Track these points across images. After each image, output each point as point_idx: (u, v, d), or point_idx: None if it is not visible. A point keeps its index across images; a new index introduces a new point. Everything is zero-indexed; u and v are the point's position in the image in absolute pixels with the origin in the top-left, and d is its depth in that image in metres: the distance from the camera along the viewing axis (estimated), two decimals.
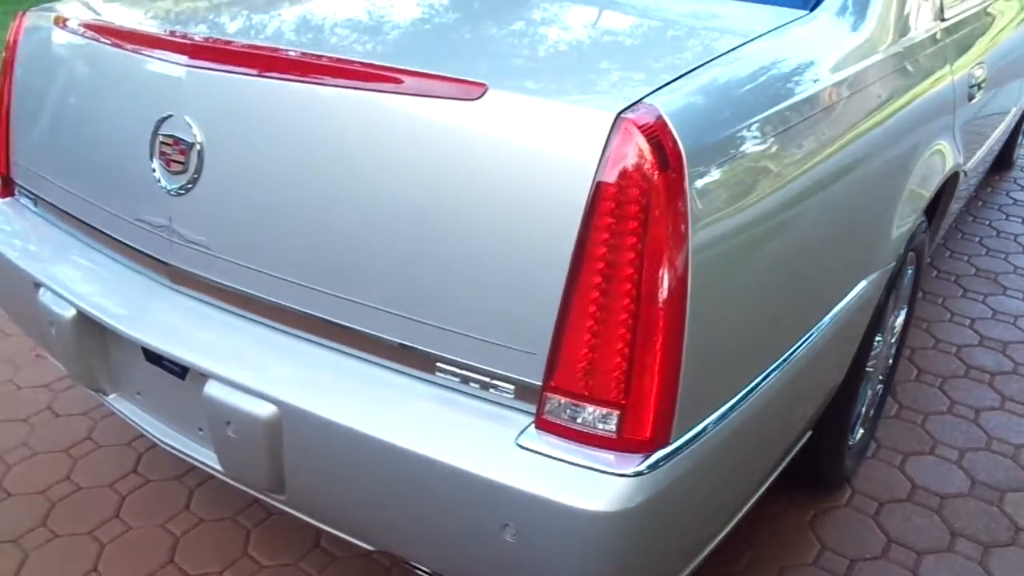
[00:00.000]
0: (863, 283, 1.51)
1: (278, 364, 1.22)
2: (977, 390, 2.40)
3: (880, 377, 2.04)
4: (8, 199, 1.75)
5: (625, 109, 1.01)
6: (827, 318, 1.39)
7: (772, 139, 1.16)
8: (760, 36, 1.28)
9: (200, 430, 1.39)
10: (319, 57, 1.18)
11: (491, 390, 1.10)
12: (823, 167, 1.28)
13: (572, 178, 1.01)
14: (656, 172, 0.99)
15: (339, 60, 1.16)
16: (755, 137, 1.13)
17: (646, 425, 1.02)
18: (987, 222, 3.53)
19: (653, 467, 1.02)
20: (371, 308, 1.16)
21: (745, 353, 1.17)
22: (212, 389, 1.24)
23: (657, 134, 1.00)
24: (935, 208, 2.01)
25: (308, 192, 1.18)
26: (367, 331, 1.17)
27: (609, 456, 1.03)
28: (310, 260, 1.20)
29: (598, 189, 0.99)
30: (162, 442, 1.44)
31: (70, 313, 1.44)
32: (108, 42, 1.43)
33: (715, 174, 1.05)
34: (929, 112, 1.69)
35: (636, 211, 0.99)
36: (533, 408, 1.08)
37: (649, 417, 1.02)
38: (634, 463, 1.02)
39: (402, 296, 1.13)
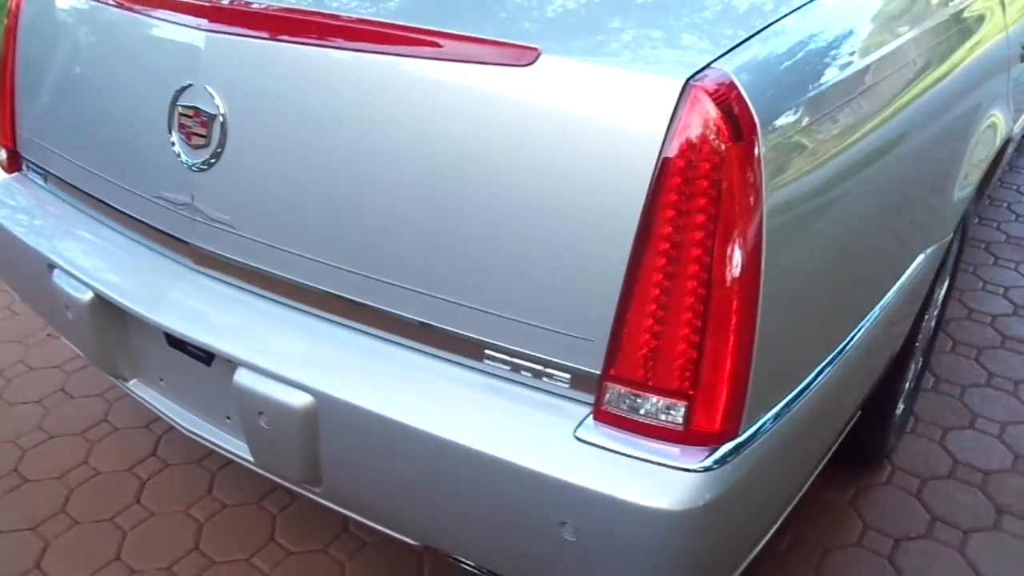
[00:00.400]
0: (921, 257, 1.44)
1: (313, 351, 1.15)
2: (1015, 361, 2.33)
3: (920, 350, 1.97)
4: (16, 174, 1.67)
5: (694, 75, 0.92)
6: (889, 295, 1.32)
7: (841, 105, 1.08)
8: None
9: (228, 418, 1.33)
10: (352, 20, 1.09)
11: (544, 379, 1.03)
12: (890, 133, 1.19)
13: (635, 151, 0.93)
14: (729, 144, 0.91)
15: (374, 23, 1.07)
16: (825, 103, 1.05)
17: (716, 417, 0.95)
18: (1015, 187, 3.44)
19: (721, 461, 0.95)
20: (412, 292, 1.09)
21: (813, 335, 1.10)
22: (242, 378, 1.17)
23: (729, 102, 0.91)
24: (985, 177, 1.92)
25: (343, 167, 1.10)
26: (408, 316, 1.10)
27: (674, 450, 0.96)
28: (346, 240, 1.12)
29: (665, 163, 0.91)
30: (188, 430, 1.38)
31: (87, 296, 1.37)
32: (117, 5, 1.34)
33: (786, 144, 0.97)
34: (986, 73, 1.60)
35: (706, 186, 0.91)
36: (591, 398, 1.01)
37: (719, 408, 0.95)
38: (702, 457, 0.95)
39: (447, 279, 1.05)
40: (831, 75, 1.08)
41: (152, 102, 1.28)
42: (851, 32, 1.15)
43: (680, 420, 0.96)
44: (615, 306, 0.96)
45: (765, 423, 1.01)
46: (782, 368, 1.04)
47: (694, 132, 0.90)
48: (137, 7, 1.30)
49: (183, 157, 1.25)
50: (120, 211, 1.39)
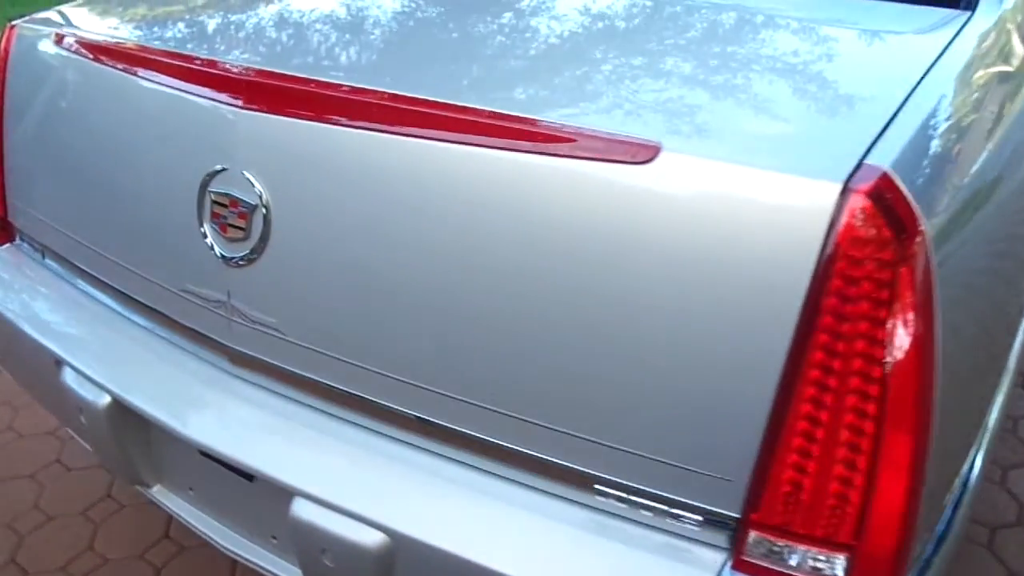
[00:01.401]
0: None
1: (386, 480, 1.00)
2: None
3: None
4: (6, 245, 1.49)
5: (851, 175, 0.78)
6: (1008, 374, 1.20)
7: (991, 178, 0.95)
8: (941, 54, 1.05)
9: (274, 538, 1.17)
10: (437, 106, 0.93)
11: (669, 519, 0.90)
12: None
13: (786, 261, 0.79)
14: (898, 245, 0.77)
15: (461, 110, 0.92)
16: (974, 179, 0.92)
17: (887, 570, 0.82)
18: None
19: None
20: (508, 416, 0.94)
21: (961, 450, 0.97)
22: (302, 510, 1.01)
23: (891, 200, 0.78)
24: None
25: (421, 272, 0.94)
26: (504, 443, 0.95)
27: None
28: (423, 356, 0.96)
29: (826, 273, 0.77)
30: (223, 547, 1.22)
31: (104, 401, 1.20)
32: (130, 71, 1.16)
33: (946, 232, 0.84)
34: None
35: (876, 294, 0.77)
36: (726, 542, 0.88)
37: (888, 560, 0.82)
38: None
39: (552, 403, 0.90)
40: (974, 148, 0.94)
41: (178, 185, 1.11)
42: (975, 95, 1.02)
43: (839, 575, 0.83)
44: (760, 440, 0.83)
45: (925, 564, 0.89)
46: (939, 499, 0.91)
47: (859, 237, 0.77)
48: (154, 74, 1.13)
49: (216, 249, 1.09)
50: (139, 302, 1.22)
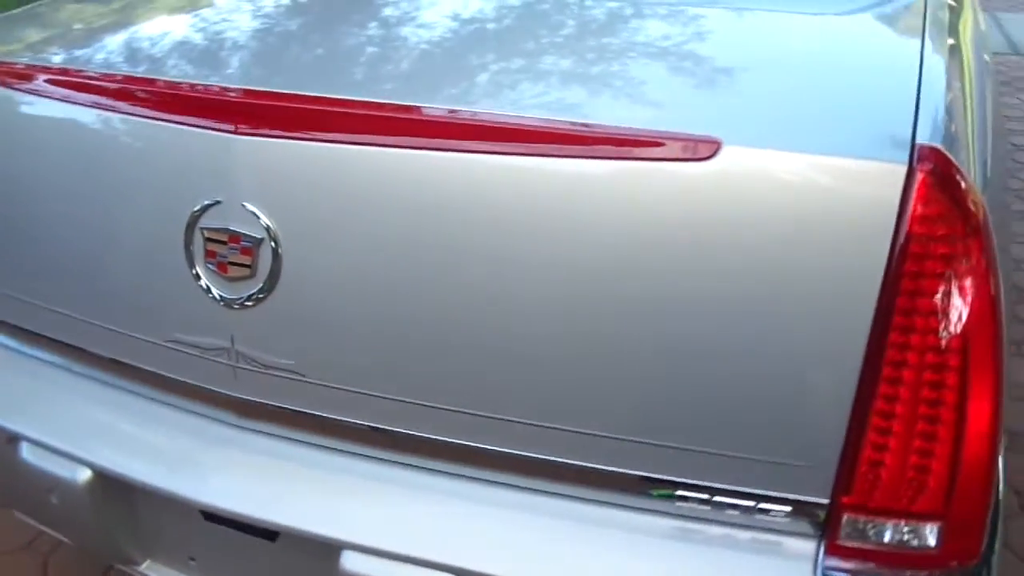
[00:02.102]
0: None
1: (450, 520, 0.93)
2: None
3: None
4: None
5: (913, 154, 0.80)
6: None
7: (995, 140, 1.00)
8: (924, 26, 1.10)
9: None
10: (454, 115, 0.88)
11: (757, 515, 0.88)
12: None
13: (859, 247, 0.79)
14: (967, 227, 0.79)
15: (493, 119, 0.86)
16: (986, 145, 0.97)
17: (975, 534, 0.84)
18: None
19: None
20: (584, 435, 0.89)
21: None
22: (355, 564, 0.93)
23: (952, 176, 0.80)
24: None
25: (463, 294, 0.89)
26: (578, 463, 0.91)
27: None
28: (475, 381, 0.90)
29: (903, 253, 0.78)
30: None
31: (83, 476, 1.06)
32: (82, 101, 1.03)
33: (987, 203, 0.88)
34: None
35: (952, 268, 0.79)
36: (816, 530, 0.87)
37: (976, 525, 0.84)
38: None
39: (630, 416, 0.87)
40: (978, 115, 0.99)
41: (158, 227, 1.00)
42: (962, 62, 1.07)
43: (933, 543, 0.85)
44: (847, 423, 0.83)
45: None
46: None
47: (929, 215, 0.78)
48: (120, 105, 1.00)
49: (215, 292, 0.98)
50: (118, 363, 1.09)
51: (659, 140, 0.82)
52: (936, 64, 0.98)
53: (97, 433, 1.07)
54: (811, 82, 0.95)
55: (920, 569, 0.85)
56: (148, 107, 0.99)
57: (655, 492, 0.90)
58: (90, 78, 1.04)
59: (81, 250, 1.06)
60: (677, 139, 0.82)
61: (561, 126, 0.85)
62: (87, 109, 1.02)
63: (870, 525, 0.85)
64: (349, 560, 0.93)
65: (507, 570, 0.89)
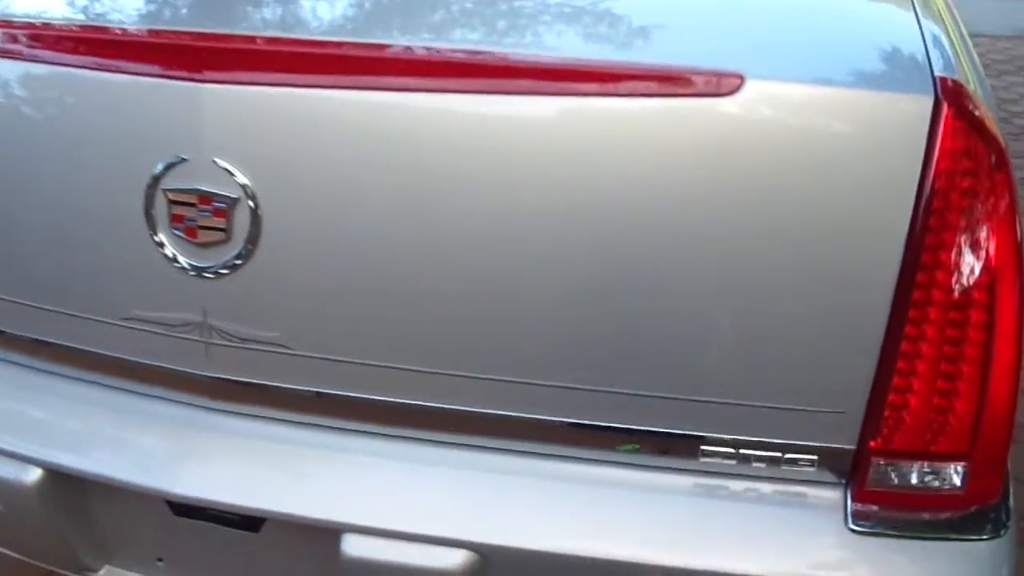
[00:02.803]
0: None
1: (458, 493, 0.87)
2: None
3: None
4: None
5: (935, 86, 0.78)
6: None
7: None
8: None
9: None
10: (458, 54, 0.81)
11: (782, 466, 0.85)
12: None
13: (887, 181, 0.77)
14: (993, 159, 0.78)
15: (503, 58, 0.80)
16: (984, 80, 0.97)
17: (997, 472, 0.84)
18: None
19: (1005, 523, 0.85)
20: (600, 393, 0.84)
21: None
22: (359, 548, 0.85)
23: (973, 109, 0.79)
24: None
25: (468, 244, 0.82)
26: (593, 423, 0.86)
27: (959, 518, 0.84)
28: (478, 341, 0.84)
29: (930, 190, 0.77)
30: None
31: (32, 476, 0.94)
32: (36, 55, 0.90)
33: (1006, 142, 0.87)
34: None
35: (977, 210, 0.78)
36: (842, 477, 0.85)
37: (998, 462, 0.84)
38: (989, 521, 0.84)
39: (648, 370, 0.83)
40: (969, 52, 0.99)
41: (110, 191, 0.89)
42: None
43: (959, 483, 0.84)
44: (874, 366, 0.81)
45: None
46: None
47: (958, 149, 0.76)
48: (64, 58, 0.88)
49: (183, 260, 0.88)
50: (69, 349, 0.97)
51: (680, 76, 0.78)
52: (931, 17, 0.98)
53: (48, 428, 0.96)
54: (825, 21, 0.92)
55: (945, 509, 0.85)
56: (100, 57, 0.88)
57: (679, 450, 0.86)
58: (32, 28, 0.92)
59: (23, 223, 0.94)
60: (699, 74, 0.78)
61: (576, 64, 0.79)
62: (29, 63, 0.90)
63: (897, 469, 0.84)
64: (352, 544, 0.86)
65: (520, 539, 0.84)
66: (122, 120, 0.87)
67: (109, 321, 0.95)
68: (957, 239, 0.78)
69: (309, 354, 0.89)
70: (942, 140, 0.76)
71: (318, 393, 0.90)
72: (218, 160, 0.85)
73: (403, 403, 0.88)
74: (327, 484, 0.89)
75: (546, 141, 0.79)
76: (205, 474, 0.91)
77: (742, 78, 0.78)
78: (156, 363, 0.95)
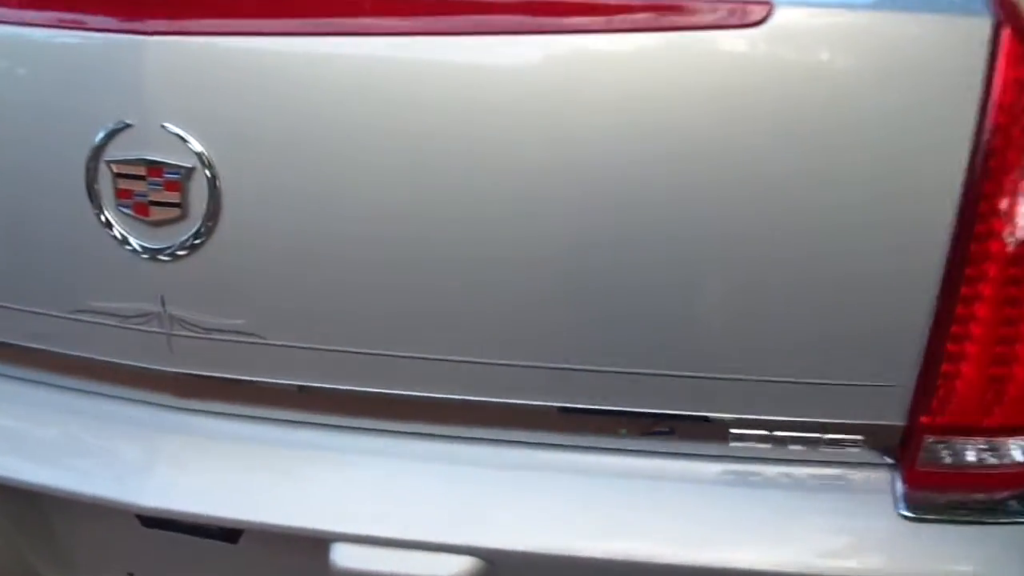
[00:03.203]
0: None
1: (456, 494, 0.77)
2: None
3: None
4: None
5: (995, 7, 0.68)
6: None
7: None
8: None
9: None
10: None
11: (824, 447, 0.76)
12: None
13: (937, 119, 0.67)
14: None
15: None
16: None
17: None
18: None
19: None
20: (617, 374, 0.74)
21: None
22: (350, 558, 0.75)
23: None
24: None
25: (463, 206, 0.71)
26: (601, 407, 0.76)
27: (1021, 498, 0.75)
28: (478, 317, 0.74)
29: (989, 129, 0.66)
30: None
31: None
32: None
33: None
34: None
35: None
36: (891, 457, 0.76)
37: None
38: None
39: (676, 346, 0.73)
40: None
41: (45, 166, 0.78)
42: None
43: (1021, 458, 0.75)
44: (927, 332, 0.71)
45: None
46: None
47: (1022, 77, 0.67)
48: None
49: (133, 242, 0.77)
50: (8, 347, 0.86)
51: (701, 5, 0.67)
52: None
53: None
54: None
55: (1004, 488, 0.76)
56: (19, 9, 0.76)
57: (706, 433, 0.77)
58: None
59: None
60: (722, 2, 0.67)
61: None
62: None
63: (951, 446, 0.75)
64: (342, 554, 0.76)
65: (543, 543, 0.74)
66: (52, 84, 0.76)
67: (57, 315, 0.84)
68: (1021, 184, 0.68)
69: (284, 343, 0.78)
70: (1003, 69, 0.66)
71: (299, 387, 0.80)
72: (167, 125, 0.74)
73: (396, 394, 0.77)
74: (311, 488, 0.79)
75: (559, 85, 0.68)
76: (174, 482, 0.80)
77: (771, 5, 0.67)
78: (113, 360, 0.84)
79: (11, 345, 0.88)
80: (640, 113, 0.68)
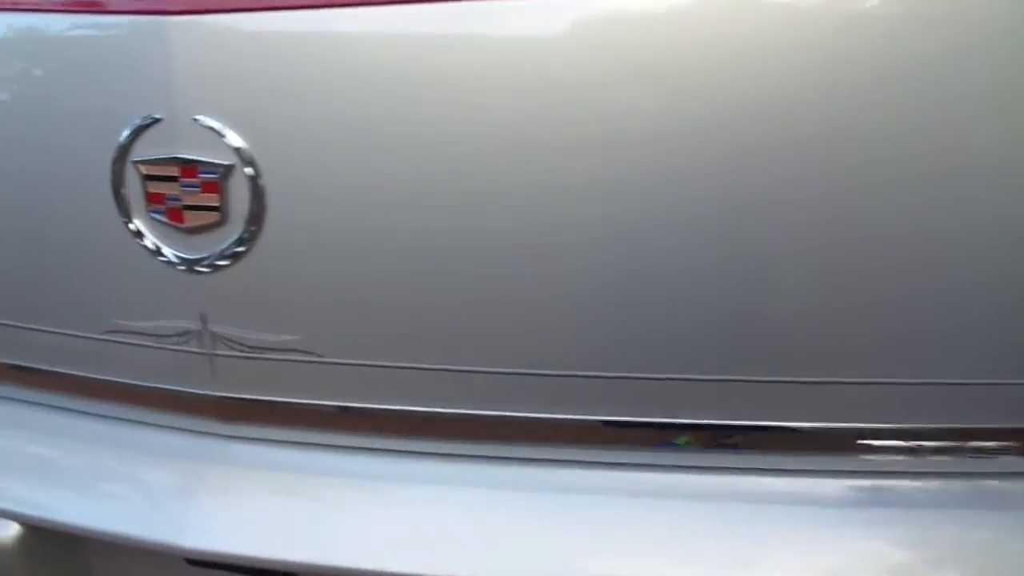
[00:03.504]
0: None
1: (536, 521, 0.67)
2: None
3: None
4: None
5: None
6: None
7: None
8: None
9: None
10: None
11: (968, 458, 0.66)
12: None
13: None
14: None
15: None
16: None
17: None
18: None
19: None
20: (702, 383, 0.65)
21: None
22: None
23: None
24: None
25: (545, 203, 0.62)
26: (705, 421, 0.66)
27: None
28: (571, 327, 0.64)
29: None
30: None
31: (9, 533, 0.76)
32: None
33: None
34: None
35: None
36: None
37: None
38: None
39: (805, 348, 0.63)
40: None
41: (66, 171, 0.69)
42: None
43: None
44: None
45: None
46: None
47: None
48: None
49: (167, 253, 0.68)
50: (36, 373, 0.78)
51: None
52: None
53: (25, 471, 0.77)
54: None
55: None
56: None
57: (828, 447, 0.67)
58: None
59: None
60: None
61: None
62: None
63: None
64: None
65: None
66: (69, 76, 0.67)
67: (89, 336, 0.75)
68: None
69: (343, 360, 0.69)
70: None
71: (359, 410, 0.71)
72: (200, 118, 0.64)
73: (481, 415, 0.68)
74: (377, 524, 0.70)
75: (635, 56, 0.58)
76: (222, 520, 0.72)
77: None
78: (152, 384, 0.75)
79: (37, 370, 0.79)
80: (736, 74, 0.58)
